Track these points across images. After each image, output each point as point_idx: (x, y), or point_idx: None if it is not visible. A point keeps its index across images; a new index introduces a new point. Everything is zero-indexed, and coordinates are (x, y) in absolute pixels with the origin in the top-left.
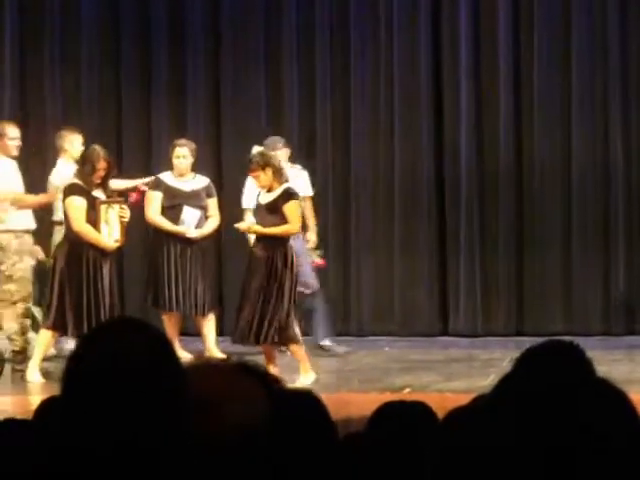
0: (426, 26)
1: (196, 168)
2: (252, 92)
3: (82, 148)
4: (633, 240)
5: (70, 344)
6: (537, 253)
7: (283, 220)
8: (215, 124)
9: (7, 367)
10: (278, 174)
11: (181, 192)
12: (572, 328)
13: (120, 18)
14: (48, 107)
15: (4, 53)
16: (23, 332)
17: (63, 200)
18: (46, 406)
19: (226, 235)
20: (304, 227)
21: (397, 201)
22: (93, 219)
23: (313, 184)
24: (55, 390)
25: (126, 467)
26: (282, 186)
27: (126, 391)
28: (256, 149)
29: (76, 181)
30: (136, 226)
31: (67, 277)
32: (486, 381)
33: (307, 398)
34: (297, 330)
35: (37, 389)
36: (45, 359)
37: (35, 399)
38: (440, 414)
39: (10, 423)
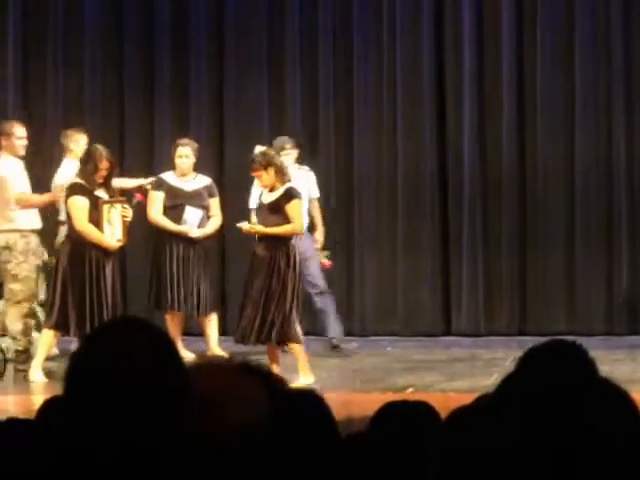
0: (429, 28)
1: (198, 170)
2: (255, 95)
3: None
4: (636, 240)
5: (74, 345)
6: (540, 253)
7: (285, 220)
8: (218, 127)
9: (10, 367)
10: (280, 174)
11: (183, 192)
12: (575, 328)
13: (123, 21)
14: (51, 110)
15: (7, 56)
16: (27, 332)
17: (66, 199)
18: (48, 406)
19: (228, 235)
20: (312, 228)
21: (400, 201)
22: (96, 219)
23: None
24: (57, 390)
25: (129, 467)
26: (284, 186)
27: (129, 391)
28: (258, 149)
29: (78, 181)
30: (139, 226)
31: (70, 277)
32: (489, 381)
33: (310, 398)
34: (299, 330)
35: (39, 389)
36: (48, 359)
37: (37, 399)
38: (443, 414)
39: (12, 423)
